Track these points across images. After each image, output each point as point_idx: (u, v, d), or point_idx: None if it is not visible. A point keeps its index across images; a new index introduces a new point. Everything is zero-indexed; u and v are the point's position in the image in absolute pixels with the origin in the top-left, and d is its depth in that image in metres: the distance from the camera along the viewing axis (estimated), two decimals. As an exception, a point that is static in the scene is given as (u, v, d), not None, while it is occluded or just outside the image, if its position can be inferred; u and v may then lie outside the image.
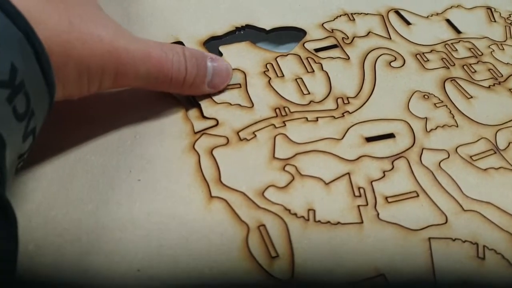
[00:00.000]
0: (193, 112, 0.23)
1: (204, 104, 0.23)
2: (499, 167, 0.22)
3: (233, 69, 0.25)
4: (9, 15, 0.14)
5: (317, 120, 0.23)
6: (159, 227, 0.19)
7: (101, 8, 0.20)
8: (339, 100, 0.24)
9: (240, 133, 0.22)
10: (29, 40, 0.15)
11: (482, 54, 0.27)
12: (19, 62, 0.15)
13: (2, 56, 0.14)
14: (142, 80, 0.20)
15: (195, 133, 0.22)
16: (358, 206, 0.20)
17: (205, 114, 0.23)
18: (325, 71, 0.25)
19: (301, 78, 0.25)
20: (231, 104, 0.23)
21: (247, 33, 0.28)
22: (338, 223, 0.19)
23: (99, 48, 0.18)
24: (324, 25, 0.28)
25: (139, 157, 0.21)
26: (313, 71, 0.25)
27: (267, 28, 0.28)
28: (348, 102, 0.24)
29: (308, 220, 0.19)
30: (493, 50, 0.28)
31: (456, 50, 0.27)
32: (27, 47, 0.15)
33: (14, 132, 0.15)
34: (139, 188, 0.20)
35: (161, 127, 0.22)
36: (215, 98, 0.24)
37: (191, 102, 0.24)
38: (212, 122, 0.23)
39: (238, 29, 0.28)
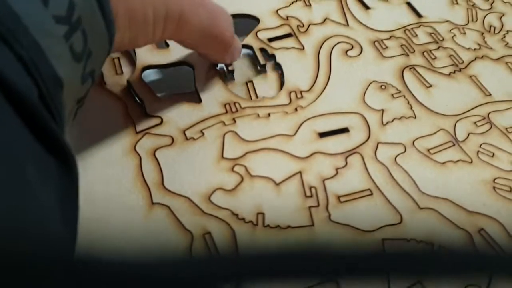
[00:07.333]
0: (135, 110, 0.22)
1: (147, 100, 0.22)
2: (458, 160, 0.21)
3: (182, 62, 0.23)
4: None
5: (269, 116, 0.22)
6: (94, 238, 0.18)
7: None
8: (292, 95, 0.23)
9: (186, 132, 0.21)
10: None
11: (443, 39, 0.26)
12: None
13: None
14: (200, 30, 0.19)
15: (137, 133, 0.21)
16: (309, 207, 0.19)
17: (148, 111, 0.21)
18: (278, 64, 0.24)
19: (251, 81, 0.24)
20: (177, 101, 0.22)
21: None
22: (288, 227, 0.18)
23: None
24: (278, 11, 0.27)
25: (75, 162, 0.19)
26: (265, 64, 0.24)
27: (218, 16, 0.26)
28: (302, 96, 0.23)
29: (256, 225, 0.18)
30: (455, 35, 0.27)
31: (416, 35, 0.26)
32: None
33: (72, 73, 0.14)
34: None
35: (99, 126, 0.21)
36: (160, 94, 0.22)
37: (133, 98, 0.22)
38: (156, 121, 0.21)
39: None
